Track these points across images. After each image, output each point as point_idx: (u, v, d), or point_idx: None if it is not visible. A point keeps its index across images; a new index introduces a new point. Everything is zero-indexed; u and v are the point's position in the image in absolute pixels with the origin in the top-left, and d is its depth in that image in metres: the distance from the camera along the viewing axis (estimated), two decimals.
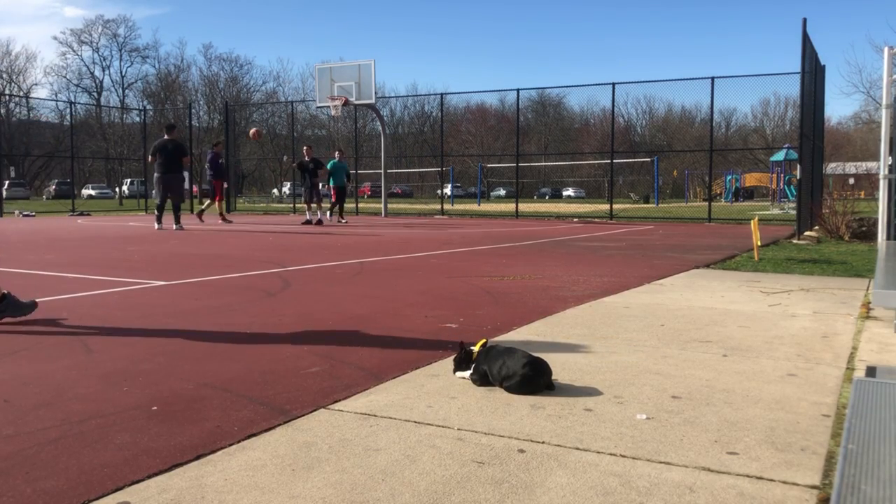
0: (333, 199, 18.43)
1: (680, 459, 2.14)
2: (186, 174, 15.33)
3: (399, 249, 9.66)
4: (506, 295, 5.46)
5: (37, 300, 4.23)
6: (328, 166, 18.11)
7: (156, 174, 14.51)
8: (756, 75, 31.41)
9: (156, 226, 14.51)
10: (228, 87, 63.63)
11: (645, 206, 37.27)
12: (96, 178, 60.11)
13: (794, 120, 44.07)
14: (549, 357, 2.99)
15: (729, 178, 44.76)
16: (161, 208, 14.70)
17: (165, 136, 14.57)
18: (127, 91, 68.36)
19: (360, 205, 25.84)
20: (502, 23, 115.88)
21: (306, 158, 17.37)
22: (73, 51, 79.93)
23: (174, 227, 14.34)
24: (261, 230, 14.51)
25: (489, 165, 53.46)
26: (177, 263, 7.85)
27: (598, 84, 32.96)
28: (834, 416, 2.55)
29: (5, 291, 4.10)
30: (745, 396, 2.78)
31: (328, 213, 18.60)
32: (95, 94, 67.78)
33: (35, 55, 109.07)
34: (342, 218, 18.28)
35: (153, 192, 15.34)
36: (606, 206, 22.08)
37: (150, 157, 15.06)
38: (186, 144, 16.29)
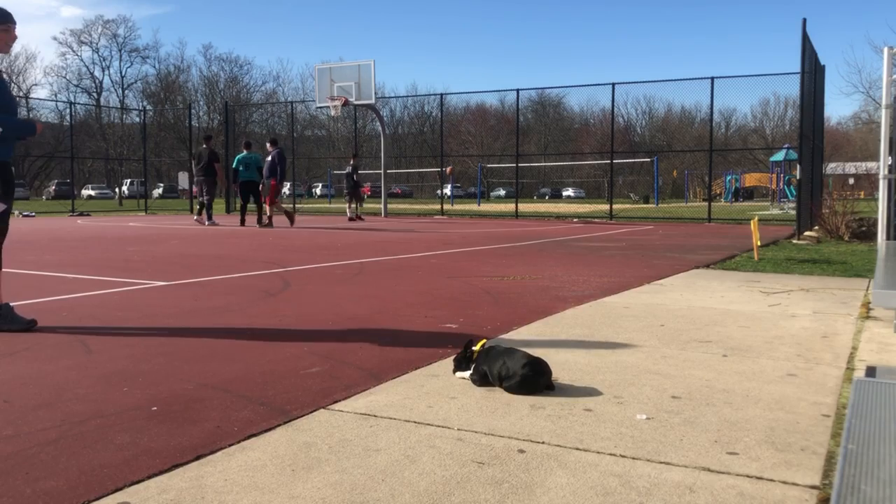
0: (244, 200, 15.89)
1: (680, 459, 2.14)
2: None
3: (399, 250, 9.66)
4: (506, 295, 5.46)
5: (36, 320, 4.18)
6: (234, 162, 15.95)
7: (196, 177, 16.78)
8: (756, 75, 31.47)
9: (206, 222, 16.33)
10: (228, 88, 63.62)
11: (645, 206, 37.21)
12: (96, 179, 60.05)
13: (793, 120, 44.03)
14: (549, 357, 3.00)
15: (729, 178, 44.76)
16: (209, 205, 16.61)
17: (203, 146, 16.75)
18: (127, 91, 68.38)
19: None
20: (503, 22, 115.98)
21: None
22: (73, 51, 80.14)
23: (206, 222, 16.30)
24: (260, 230, 14.50)
25: (489, 166, 53.42)
26: (177, 264, 7.85)
27: (598, 84, 33.01)
28: (834, 416, 2.56)
29: (2, 303, 4.09)
30: (745, 396, 2.78)
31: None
32: (95, 94, 67.77)
33: (34, 55, 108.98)
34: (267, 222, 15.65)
35: (196, 191, 17.89)
36: (606, 207, 22.08)
37: (192, 160, 17.79)
38: (219, 153, 18.33)
